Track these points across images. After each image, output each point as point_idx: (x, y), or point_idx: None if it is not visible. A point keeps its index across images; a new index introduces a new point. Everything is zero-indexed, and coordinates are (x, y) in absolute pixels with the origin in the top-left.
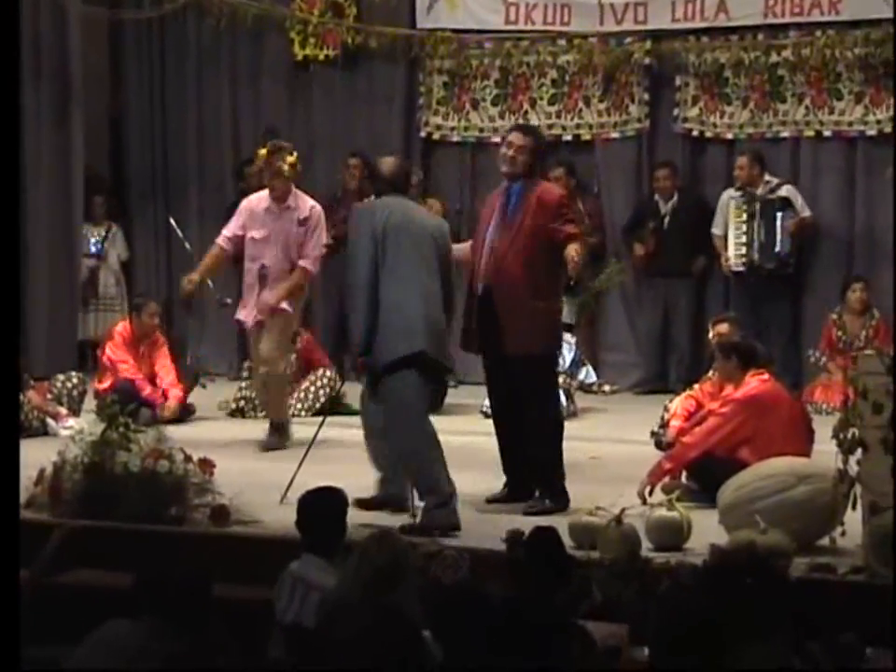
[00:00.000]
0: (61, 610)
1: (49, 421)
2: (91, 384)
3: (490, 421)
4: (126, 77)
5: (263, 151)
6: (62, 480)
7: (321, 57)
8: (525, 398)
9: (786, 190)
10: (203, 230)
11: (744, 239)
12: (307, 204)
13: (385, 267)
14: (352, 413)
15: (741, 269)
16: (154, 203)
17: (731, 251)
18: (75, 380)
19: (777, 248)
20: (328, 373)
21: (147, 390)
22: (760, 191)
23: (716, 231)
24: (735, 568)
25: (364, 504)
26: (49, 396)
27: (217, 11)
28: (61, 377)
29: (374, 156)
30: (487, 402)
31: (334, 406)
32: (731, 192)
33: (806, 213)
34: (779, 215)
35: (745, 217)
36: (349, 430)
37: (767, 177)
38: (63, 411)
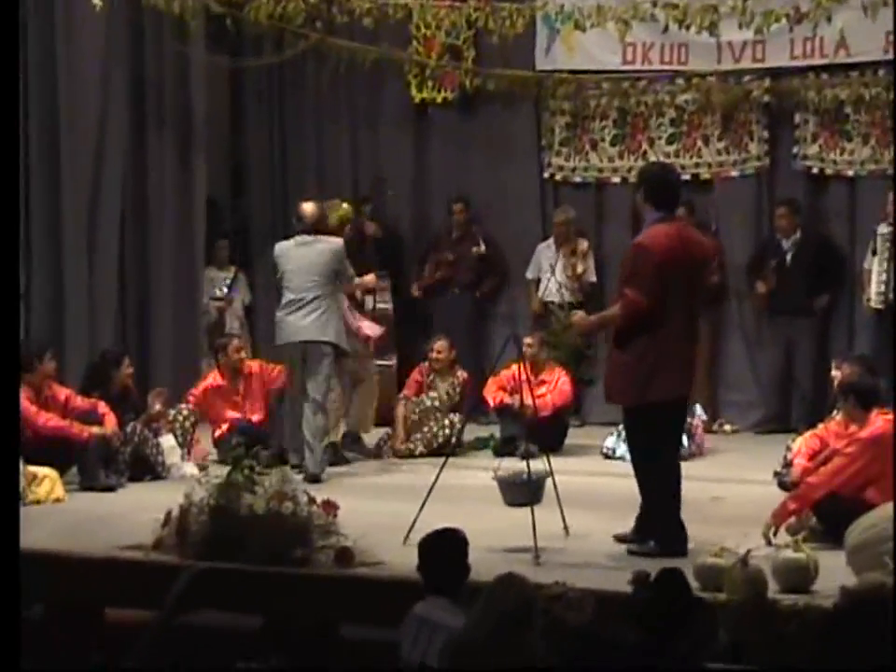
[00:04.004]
0: (188, 652)
1: (171, 464)
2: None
3: (610, 462)
4: (247, 123)
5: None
6: (188, 522)
7: (439, 100)
8: (628, 442)
9: None
10: None
11: (885, 277)
12: None
13: None
14: (476, 449)
15: (880, 306)
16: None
17: (873, 288)
18: (185, 412)
19: None
20: (451, 416)
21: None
22: None
23: (865, 265)
24: (866, 611)
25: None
26: (165, 429)
27: (335, 56)
28: (171, 411)
29: (491, 198)
30: (608, 443)
31: (455, 447)
32: (882, 228)
33: None
34: None
35: (888, 254)
36: (469, 471)
37: None
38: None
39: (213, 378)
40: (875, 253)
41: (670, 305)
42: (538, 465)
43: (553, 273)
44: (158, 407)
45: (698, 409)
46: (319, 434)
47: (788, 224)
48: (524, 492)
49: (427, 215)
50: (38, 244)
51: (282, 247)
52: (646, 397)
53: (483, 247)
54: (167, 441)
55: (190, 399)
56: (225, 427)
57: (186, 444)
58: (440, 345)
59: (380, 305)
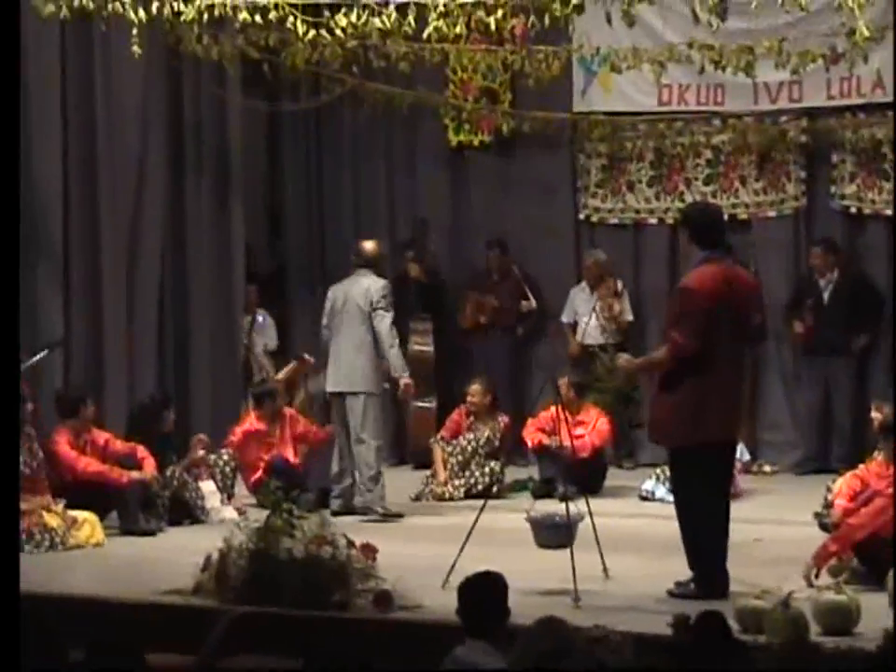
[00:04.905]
0: None
1: (211, 507)
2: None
3: (648, 503)
4: (284, 167)
5: None
6: (227, 566)
7: (476, 143)
8: (672, 485)
9: None
10: None
11: None
12: None
13: None
14: (515, 491)
15: None
16: (312, 289)
17: None
18: (226, 457)
19: None
20: (491, 463)
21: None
22: None
23: None
24: None
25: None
26: (206, 474)
27: (372, 100)
28: (212, 456)
29: (528, 240)
30: (646, 486)
31: (493, 491)
32: None
33: None
34: None
35: None
36: (508, 514)
37: None
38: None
39: (249, 423)
40: None
41: (716, 346)
42: (574, 507)
43: (591, 315)
44: (200, 453)
45: (739, 449)
46: (372, 470)
47: (823, 263)
48: (555, 534)
49: (465, 257)
50: (77, 289)
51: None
52: (693, 438)
53: (533, 303)
54: (207, 486)
55: (230, 443)
56: (261, 471)
57: (226, 489)
58: (474, 389)
59: (421, 347)
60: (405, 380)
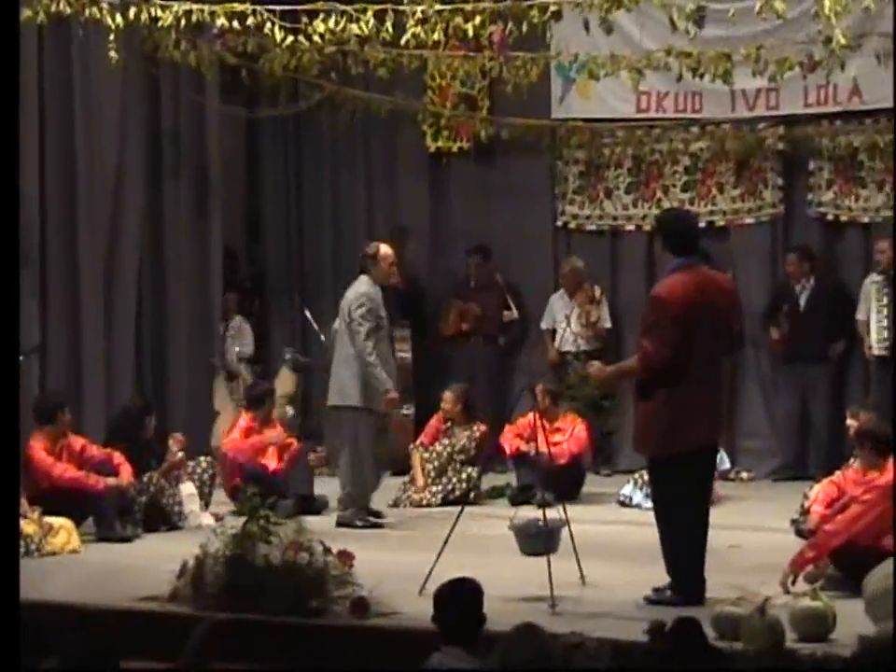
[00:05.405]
0: None
1: (190, 511)
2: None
3: (626, 510)
4: (262, 173)
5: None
6: (204, 573)
7: (454, 149)
8: (652, 492)
9: None
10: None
11: (885, 323)
12: None
13: None
14: (493, 497)
15: (884, 353)
16: (290, 295)
17: (873, 336)
18: (204, 464)
19: None
20: (468, 469)
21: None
22: None
23: (860, 316)
24: (883, 660)
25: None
26: (185, 476)
27: (350, 106)
28: (191, 463)
29: (506, 247)
30: (624, 490)
31: (470, 497)
32: (873, 276)
33: None
34: None
35: (886, 300)
36: (485, 521)
37: None
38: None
39: (246, 422)
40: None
41: (691, 354)
42: (553, 514)
43: (568, 322)
44: (179, 454)
45: (720, 457)
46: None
47: (798, 271)
48: (539, 541)
49: (443, 263)
50: (55, 295)
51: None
52: (669, 447)
53: (515, 313)
54: (187, 488)
55: (228, 444)
56: (237, 478)
57: (203, 496)
58: (446, 396)
59: (400, 354)
60: (391, 394)
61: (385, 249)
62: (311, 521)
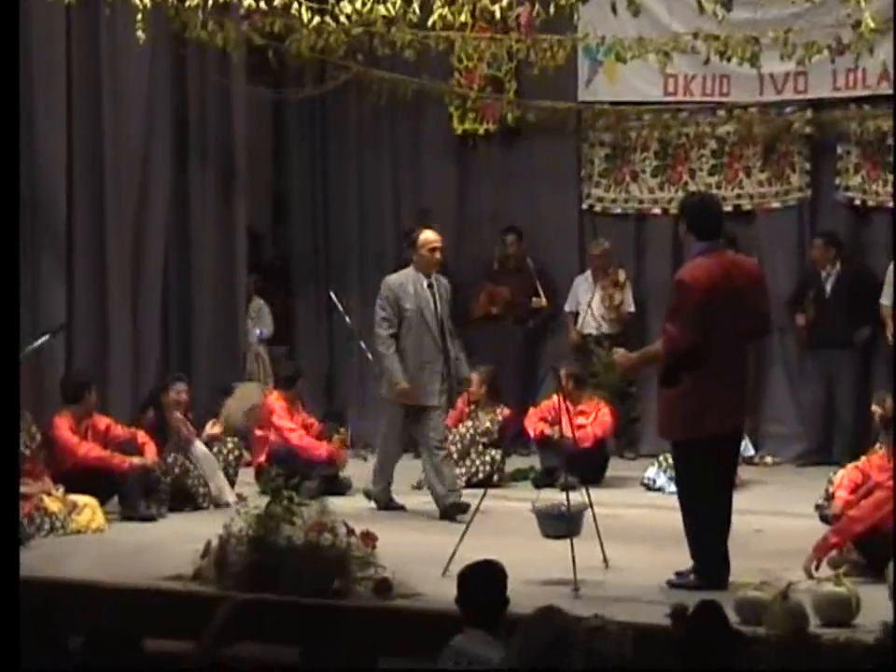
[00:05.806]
0: None
1: (214, 492)
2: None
3: (650, 493)
4: (289, 155)
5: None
6: (227, 553)
7: (480, 131)
8: (676, 477)
9: None
10: (364, 304)
11: None
12: None
13: None
14: (516, 480)
15: None
16: (316, 278)
17: None
18: (230, 445)
19: None
20: (492, 452)
21: (315, 450)
22: None
23: (884, 301)
24: None
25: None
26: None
27: (377, 88)
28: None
29: (532, 230)
30: (648, 473)
31: (494, 480)
32: None
33: None
34: None
35: None
36: (509, 503)
37: None
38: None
39: (281, 400)
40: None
41: (715, 338)
42: (577, 497)
43: (590, 305)
44: (216, 429)
45: (744, 444)
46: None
47: (824, 256)
48: (562, 524)
49: (468, 246)
50: (81, 276)
51: None
52: (693, 432)
53: (544, 301)
54: (199, 447)
55: (266, 418)
56: (264, 456)
57: (228, 477)
58: (472, 378)
59: None
60: (400, 385)
61: (424, 235)
62: (335, 502)
